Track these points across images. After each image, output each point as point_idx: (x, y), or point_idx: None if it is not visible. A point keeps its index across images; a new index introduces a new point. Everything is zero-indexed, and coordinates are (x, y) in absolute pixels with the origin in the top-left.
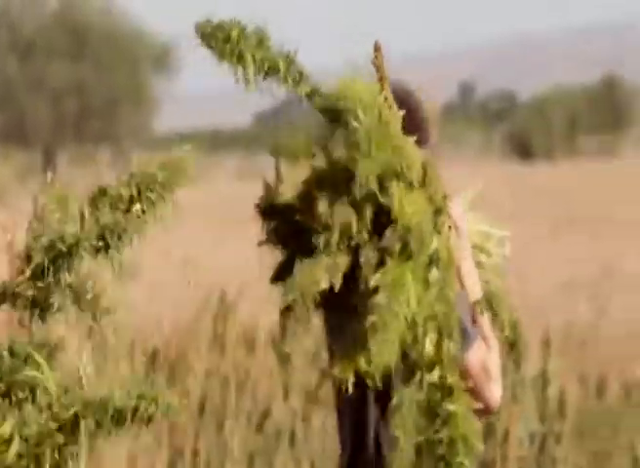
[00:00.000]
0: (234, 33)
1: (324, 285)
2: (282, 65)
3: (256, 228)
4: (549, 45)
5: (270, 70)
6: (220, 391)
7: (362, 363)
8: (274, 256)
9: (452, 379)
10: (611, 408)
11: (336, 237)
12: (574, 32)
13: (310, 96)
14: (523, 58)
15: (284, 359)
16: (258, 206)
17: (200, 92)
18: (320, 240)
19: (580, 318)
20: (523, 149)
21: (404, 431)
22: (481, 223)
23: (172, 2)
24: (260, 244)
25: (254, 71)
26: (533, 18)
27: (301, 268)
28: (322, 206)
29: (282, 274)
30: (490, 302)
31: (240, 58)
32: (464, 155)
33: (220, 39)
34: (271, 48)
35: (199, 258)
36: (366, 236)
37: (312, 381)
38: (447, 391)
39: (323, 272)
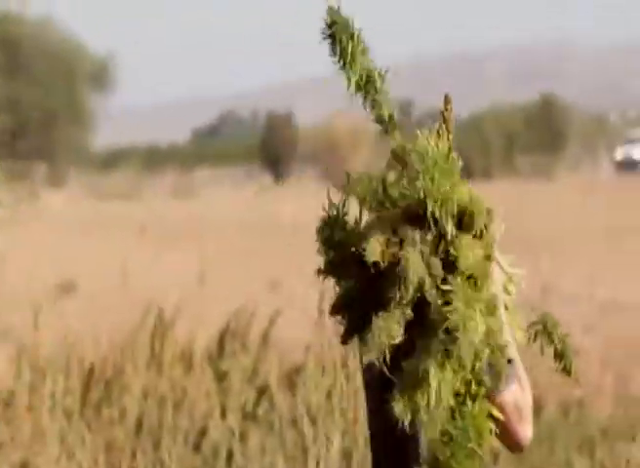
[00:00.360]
0: (356, 34)
1: (399, 338)
2: (378, 81)
3: (191, 245)
4: (487, 62)
5: (368, 83)
6: (157, 409)
7: (422, 403)
8: (215, 276)
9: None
10: (548, 424)
11: (411, 293)
12: (513, 49)
13: (382, 121)
14: (460, 74)
15: (221, 377)
16: (319, 233)
17: (137, 108)
18: (395, 295)
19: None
20: (461, 168)
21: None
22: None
23: (108, 20)
24: (319, 274)
25: (357, 79)
26: (471, 33)
27: (378, 324)
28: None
29: (340, 309)
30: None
31: (353, 62)
32: None
33: (345, 35)
34: (371, 60)
35: (136, 275)
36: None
37: (250, 400)
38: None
39: (397, 326)
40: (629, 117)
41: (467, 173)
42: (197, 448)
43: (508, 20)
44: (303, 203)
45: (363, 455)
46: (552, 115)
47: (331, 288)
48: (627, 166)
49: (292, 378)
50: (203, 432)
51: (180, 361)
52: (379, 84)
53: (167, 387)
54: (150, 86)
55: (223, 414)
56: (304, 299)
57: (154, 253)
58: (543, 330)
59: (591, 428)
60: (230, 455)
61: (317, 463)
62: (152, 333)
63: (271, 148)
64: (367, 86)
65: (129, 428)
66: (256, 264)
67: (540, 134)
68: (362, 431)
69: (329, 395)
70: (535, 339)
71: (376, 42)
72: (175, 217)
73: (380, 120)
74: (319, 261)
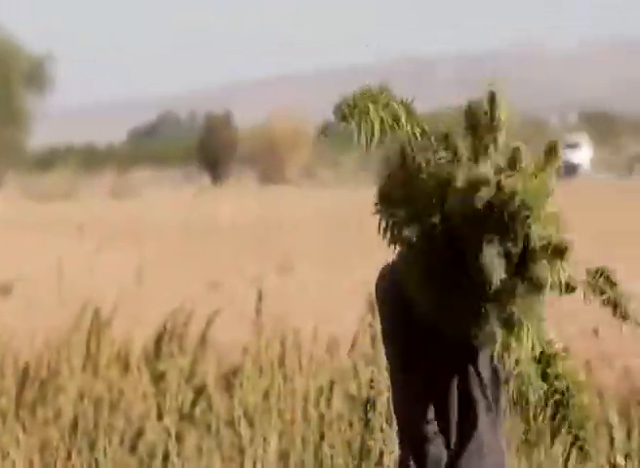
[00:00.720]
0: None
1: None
2: (403, 117)
3: (129, 246)
4: (438, 68)
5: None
6: (92, 410)
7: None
8: (154, 276)
9: None
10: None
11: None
12: (463, 57)
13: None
14: (410, 79)
15: (158, 378)
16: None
17: (75, 108)
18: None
19: None
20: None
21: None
22: None
23: (44, 20)
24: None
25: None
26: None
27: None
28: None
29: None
30: None
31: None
32: (341, 177)
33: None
34: (393, 103)
35: (73, 275)
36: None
37: (187, 401)
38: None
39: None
40: (569, 121)
41: None
42: (133, 448)
43: (460, 27)
44: (242, 204)
45: (300, 456)
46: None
47: (269, 289)
48: (566, 170)
49: (229, 379)
50: (139, 433)
51: (116, 361)
52: (404, 119)
53: (103, 388)
54: (88, 86)
55: (160, 415)
56: (243, 300)
57: (92, 253)
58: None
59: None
60: (167, 456)
61: (254, 464)
62: (88, 333)
63: (210, 149)
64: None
65: (64, 428)
66: (194, 265)
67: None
68: (299, 432)
69: (266, 396)
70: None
71: (335, 45)
72: (113, 218)
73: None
74: (258, 262)
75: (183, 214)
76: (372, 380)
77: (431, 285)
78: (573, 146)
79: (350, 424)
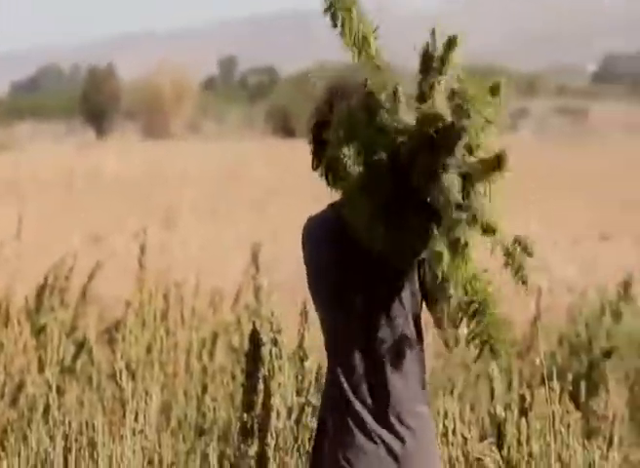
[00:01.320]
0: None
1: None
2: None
3: (10, 200)
4: (313, 21)
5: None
6: None
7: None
8: (35, 230)
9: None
10: None
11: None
12: None
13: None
14: (286, 33)
15: (39, 332)
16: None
17: None
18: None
19: None
20: (284, 126)
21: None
22: None
23: None
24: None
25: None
26: None
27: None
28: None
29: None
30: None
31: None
32: (226, 131)
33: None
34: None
35: None
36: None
37: (68, 354)
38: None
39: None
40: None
41: (290, 131)
42: (14, 402)
43: None
44: (126, 158)
45: (182, 409)
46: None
47: (152, 243)
48: None
49: (111, 333)
50: (20, 386)
51: None
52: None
53: None
54: None
55: (41, 368)
56: (126, 254)
57: None
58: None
59: None
60: (47, 409)
61: (136, 417)
62: None
63: (93, 103)
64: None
65: None
66: (77, 219)
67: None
68: (182, 384)
69: (148, 349)
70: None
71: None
72: None
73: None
74: (141, 216)
75: (67, 167)
76: (254, 332)
77: (381, 221)
78: None
79: (233, 377)
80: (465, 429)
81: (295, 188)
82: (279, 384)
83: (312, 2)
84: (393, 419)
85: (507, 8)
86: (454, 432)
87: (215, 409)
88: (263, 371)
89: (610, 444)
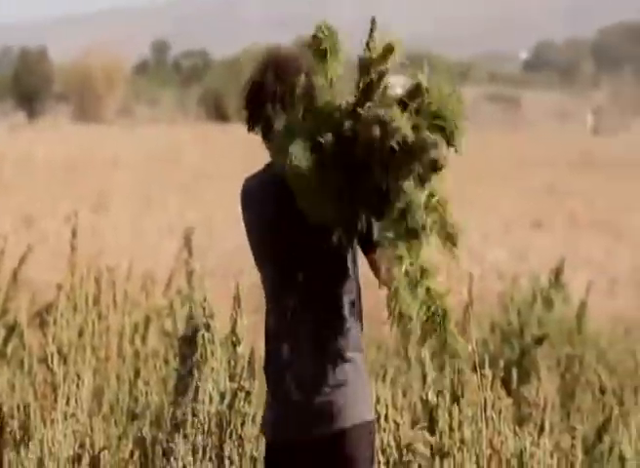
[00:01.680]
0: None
1: None
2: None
3: None
4: (244, 5)
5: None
6: None
7: None
8: None
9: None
10: None
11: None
12: None
13: None
14: (218, 17)
15: None
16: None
17: None
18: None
19: None
20: (218, 110)
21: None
22: None
23: None
24: None
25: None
26: None
27: None
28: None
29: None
30: None
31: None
32: (160, 115)
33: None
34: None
35: None
36: None
37: None
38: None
39: None
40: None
41: (223, 115)
42: None
43: None
44: (58, 141)
45: (114, 393)
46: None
47: (83, 227)
48: None
49: (42, 316)
50: None
51: None
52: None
53: None
54: None
55: None
56: (57, 238)
57: None
58: None
59: None
60: None
61: (67, 401)
62: None
63: (25, 85)
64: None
65: None
66: (8, 202)
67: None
68: (114, 369)
69: (80, 333)
70: None
71: None
72: None
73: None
74: (73, 200)
75: None
76: (188, 316)
77: (331, 198)
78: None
79: (166, 361)
80: (397, 415)
81: (227, 173)
82: (212, 369)
83: None
84: (328, 367)
85: None
86: (386, 418)
87: (147, 393)
88: (196, 356)
89: (541, 430)
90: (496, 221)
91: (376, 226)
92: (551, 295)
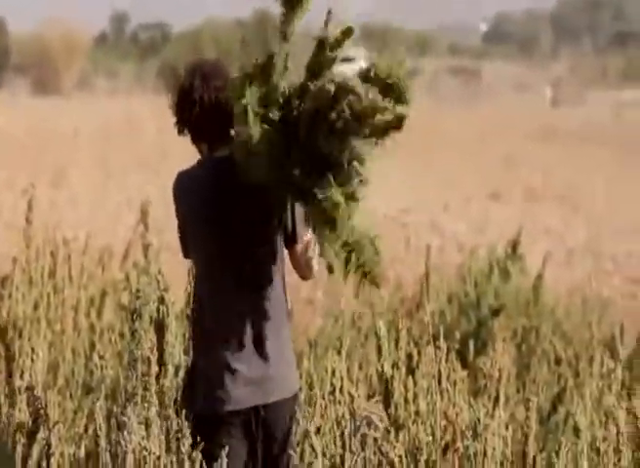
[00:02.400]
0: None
1: None
2: None
3: None
4: None
5: None
6: None
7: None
8: None
9: None
10: None
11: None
12: None
13: None
14: None
15: None
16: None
17: None
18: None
19: None
20: (176, 83)
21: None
22: None
23: None
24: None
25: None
26: None
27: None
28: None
29: None
30: None
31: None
32: (119, 88)
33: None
34: None
35: None
36: None
37: None
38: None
39: None
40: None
41: None
42: None
43: None
44: (15, 114)
45: (70, 367)
46: (267, 33)
47: (40, 200)
48: None
49: None
50: None
51: None
52: None
53: None
54: None
55: None
56: (13, 211)
57: None
58: None
59: (300, 342)
60: None
61: (22, 374)
62: None
63: None
64: None
65: None
66: None
67: (255, 51)
68: (69, 342)
69: (36, 306)
70: None
71: None
72: None
73: None
74: (30, 173)
75: None
76: (138, 290)
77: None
78: (348, 60)
79: (121, 335)
80: (353, 387)
81: (185, 146)
82: (166, 343)
83: None
84: (257, 341)
85: None
86: (341, 390)
87: (102, 367)
88: (151, 330)
89: (496, 402)
90: (455, 193)
91: (300, 223)
92: (508, 267)
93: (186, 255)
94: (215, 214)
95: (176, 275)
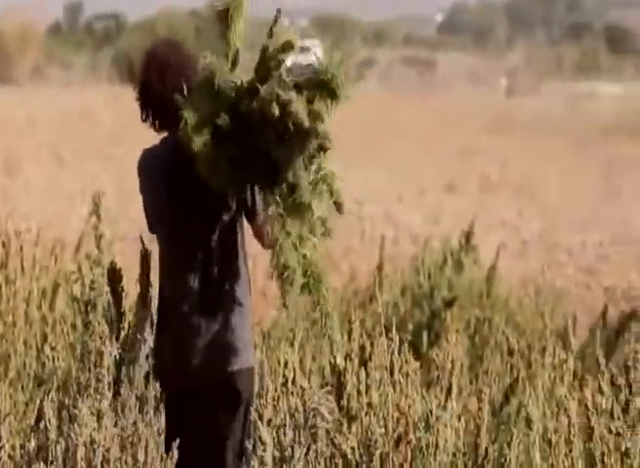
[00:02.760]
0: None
1: None
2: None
3: None
4: None
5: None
6: None
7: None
8: None
9: None
10: None
11: None
12: None
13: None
14: None
15: None
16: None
17: None
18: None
19: None
20: (130, 73)
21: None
22: None
23: None
24: None
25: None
26: None
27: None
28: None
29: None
30: None
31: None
32: (73, 78)
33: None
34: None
35: None
36: None
37: None
38: None
39: None
40: (301, 25)
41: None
42: None
43: None
44: None
45: (22, 359)
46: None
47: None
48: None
49: None
50: None
51: None
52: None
53: None
54: None
55: None
56: None
57: None
58: None
59: (254, 333)
60: None
61: None
62: None
63: None
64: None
65: None
66: None
67: (209, 40)
68: (21, 334)
69: None
70: None
71: None
72: None
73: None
74: None
75: None
76: (92, 282)
77: (230, 170)
78: (304, 50)
79: (74, 327)
80: (305, 379)
81: (140, 136)
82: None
83: None
84: (219, 311)
85: None
86: (293, 382)
87: (54, 359)
88: (101, 321)
89: (448, 393)
90: (410, 185)
91: (259, 196)
92: (462, 258)
93: (152, 230)
94: (174, 189)
95: (131, 266)
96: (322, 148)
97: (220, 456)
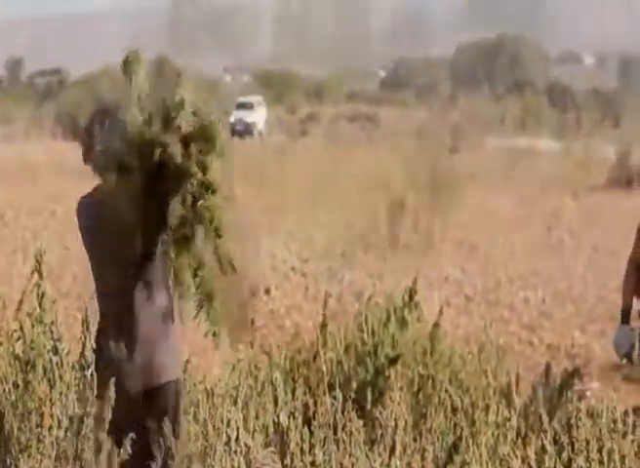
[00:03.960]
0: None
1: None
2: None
3: None
4: (98, 24)
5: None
6: None
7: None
8: None
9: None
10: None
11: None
12: (125, 13)
13: None
14: (72, 35)
15: None
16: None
17: None
18: None
19: None
20: (73, 129)
21: None
22: None
23: None
24: None
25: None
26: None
27: None
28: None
29: None
30: None
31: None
32: (13, 133)
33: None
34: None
35: None
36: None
37: None
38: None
39: None
40: (243, 81)
41: (78, 134)
42: None
43: None
44: None
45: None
46: (164, 77)
47: None
48: (244, 130)
49: None
50: None
51: None
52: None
53: None
54: None
55: None
56: None
57: None
58: None
59: (197, 391)
60: None
61: None
62: None
63: None
64: None
65: None
66: None
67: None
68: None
69: None
70: None
71: None
72: None
73: None
74: None
75: None
76: (32, 341)
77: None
78: (247, 107)
79: (15, 385)
80: (249, 437)
81: (81, 189)
82: (60, 393)
83: (98, 3)
84: (145, 335)
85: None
86: (237, 440)
87: None
88: (41, 380)
89: (392, 451)
90: (354, 241)
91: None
92: (405, 315)
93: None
94: (104, 250)
95: (73, 323)
96: (208, 189)
97: None
